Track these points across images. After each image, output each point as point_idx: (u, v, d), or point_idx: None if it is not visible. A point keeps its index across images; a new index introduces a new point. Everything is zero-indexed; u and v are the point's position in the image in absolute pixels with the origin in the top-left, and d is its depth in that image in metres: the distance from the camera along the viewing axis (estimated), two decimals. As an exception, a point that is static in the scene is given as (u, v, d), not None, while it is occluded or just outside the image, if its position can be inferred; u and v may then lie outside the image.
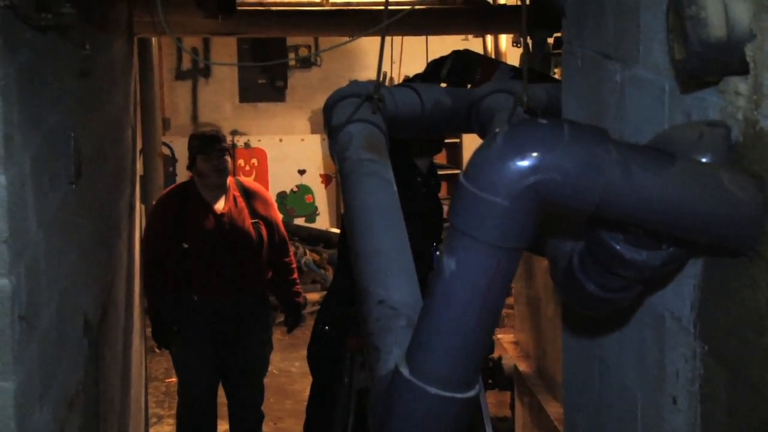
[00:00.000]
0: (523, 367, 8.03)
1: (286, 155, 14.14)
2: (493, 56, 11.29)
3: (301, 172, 14.20)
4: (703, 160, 2.08)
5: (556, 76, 6.52)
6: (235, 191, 6.92)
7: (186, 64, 14.42)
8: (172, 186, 7.55)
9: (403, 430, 2.29)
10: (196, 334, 6.83)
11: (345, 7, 8.49)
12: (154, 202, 7.93)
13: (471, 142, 11.97)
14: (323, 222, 14.16)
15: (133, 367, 6.71)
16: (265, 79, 14.57)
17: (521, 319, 8.50)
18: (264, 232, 6.94)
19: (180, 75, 14.47)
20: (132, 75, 7.41)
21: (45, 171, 3.11)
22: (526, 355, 8.26)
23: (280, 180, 14.09)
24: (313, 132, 14.40)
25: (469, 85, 4.95)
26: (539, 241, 2.57)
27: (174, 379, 8.10)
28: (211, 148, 6.79)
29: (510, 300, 8.49)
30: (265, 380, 7.29)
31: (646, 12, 2.51)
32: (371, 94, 3.63)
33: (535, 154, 1.93)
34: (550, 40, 6.98)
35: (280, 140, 14.21)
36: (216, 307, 6.81)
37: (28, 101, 2.89)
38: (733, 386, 2.15)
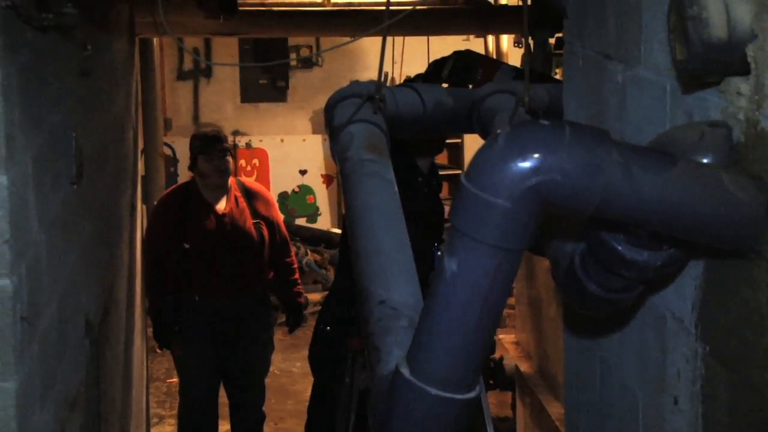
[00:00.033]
0: (524, 367, 8.03)
1: (288, 155, 14.15)
2: (494, 56, 11.29)
3: (303, 172, 14.21)
4: (705, 160, 2.08)
5: (558, 77, 6.53)
6: (236, 191, 6.92)
7: (187, 65, 14.44)
8: (174, 186, 7.54)
9: (403, 431, 2.29)
10: (197, 335, 6.82)
11: (346, 8, 8.49)
12: (155, 203, 7.93)
13: (472, 143, 11.98)
14: (324, 222, 14.16)
15: (135, 367, 6.71)
16: (266, 80, 14.58)
17: (522, 320, 8.50)
18: (265, 232, 6.93)
19: (181, 75, 14.48)
20: (133, 75, 7.41)
21: (46, 171, 3.11)
22: (527, 355, 8.26)
23: (281, 180, 14.10)
24: (314, 132, 14.41)
25: (470, 86, 4.95)
26: (540, 241, 2.57)
27: (175, 380, 8.10)
28: (213, 149, 6.79)
29: (511, 300, 8.50)
30: (267, 380, 7.29)
31: (647, 12, 2.51)
32: (372, 95, 3.63)
33: (536, 156, 1.93)
34: (552, 41, 6.99)
35: (282, 140, 14.22)
36: (217, 308, 6.81)
37: (30, 101, 2.89)
38: (734, 386, 2.15)
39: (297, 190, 14.22)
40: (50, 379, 3.08)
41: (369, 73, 13.15)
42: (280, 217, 7.28)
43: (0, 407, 2.60)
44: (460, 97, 4.26)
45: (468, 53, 5.21)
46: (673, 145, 2.14)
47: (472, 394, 2.24)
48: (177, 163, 13.44)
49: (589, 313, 2.71)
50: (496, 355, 8.34)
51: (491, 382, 8.26)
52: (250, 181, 7.93)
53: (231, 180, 6.94)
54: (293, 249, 7.54)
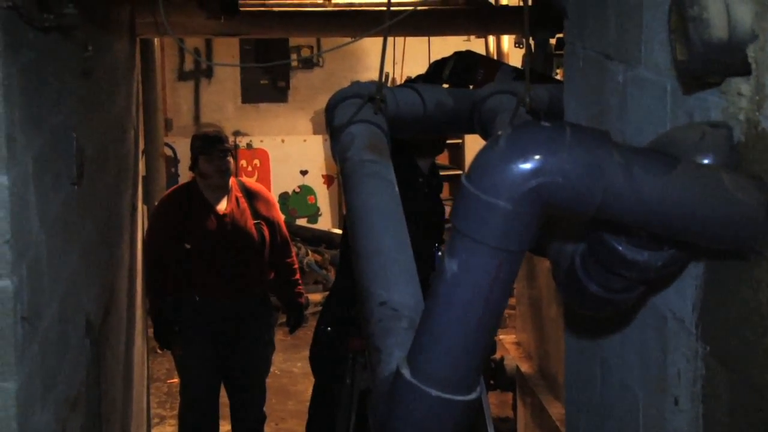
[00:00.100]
0: (525, 367, 8.03)
1: (289, 156, 14.15)
2: (495, 57, 11.29)
3: (303, 172, 14.21)
4: (705, 160, 2.08)
5: (559, 77, 6.53)
6: (237, 192, 6.92)
7: (188, 65, 14.44)
8: (175, 187, 7.54)
9: (404, 432, 2.29)
10: (197, 335, 6.82)
11: (347, 8, 8.49)
12: (156, 203, 7.93)
13: (473, 143, 11.98)
14: (325, 223, 14.17)
15: (135, 367, 6.71)
16: (267, 80, 14.59)
17: (523, 320, 8.50)
18: (266, 232, 6.93)
19: (182, 76, 14.49)
20: (134, 76, 7.41)
21: (47, 171, 3.12)
22: (528, 355, 8.26)
23: (282, 181, 14.10)
24: (315, 133, 14.41)
25: (471, 86, 4.95)
26: (541, 241, 2.57)
27: (176, 380, 8.10)
28: (214, 149, 6.79)
29: (512, 300, 8.50)
30: (268, 381, 7.29)
31: (647, 12, 2.51)
32: (373, 95, 3.63)
33: (537, 157, 1.94)
34: (552, 41, 6.99)
35: (282, 141, 14.23)
36: (218, 308, 6.81)
37: (31, 102, 2.90)
38: (734, 386, 2.15)
39: (298, 190, 14.22)
40: (51, 380, 3.08)
41: (370, 73, 13.15)
42: (281, 217, 7.28)
43: (1, 407, 2.60)
44: (460, 97, 4.26)
45: (469, 54, 5.21)
46: (673, 146, 2.14)
47: (473, 396, 2.24)
48: (178, 164, 13.44)
49: (589, 314, 2.71)
50: (497, 356, 8.34)
51: (492, 382, 8.27)
52: (251, 182, 7.93)
53: (232, 180, 6.94)
54: (294, 249, 7.54)
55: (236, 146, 13.63)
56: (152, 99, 9.67)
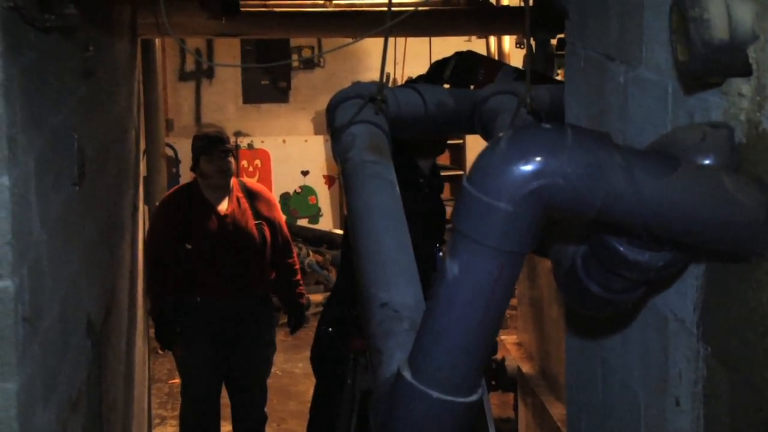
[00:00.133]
0: (526, 368, 8.03)
1: (290, 156, 14.15)
2: (496, 57, 11.29)
3: (305, 173, 14.21)
4: (706, 161, 2.08)
5: (560, 78, 6.53)
6: (238, 192, 6.92)
7: (189, 65, 14.45)
8: (176, 187, 7.55)
9: (405, 434, 2.29)
10: (198, 335, 6.82)
11: (348, 9, 8.49)
12: (157, 203, 7.94)
13: (474, 143, 11.98)
14: (326, 223, 14.16)
15: (136, 368, 6.71)
16: (268, 80, 14.59)
17: (524, 320, 8.50)
18: (267, 233, 6.93)
19: (183, 76, 14.49)
20: (135, 76, 7.41)
21: (48, 172, 3.12)
22: (529, 356, 8.26)
23: (283, 181, 14.10)
24: (316, 133, 14.41)
25: (472, 86, 4.95)
26: (542, 242, 2.57)
27: (177, 381, 8.10)
28: (215, 149, 6.79)
29: (513, 301, 8.49)
30: (269, 381, 7.29)
31: (648, 13, 2.51)
32: (374, 95, 3.63)
33: (538, 159, 1.94)
34: (553, 42, 6.99)
35: (284, 141, 14.23)
36: (219, 308, 6.81)
37: (32, 102, 2.90)
38: (735, 387, 2.15)
39: (299, 190, 14.23)
40: (52, 380, 3.08)
41: (371, 73, 13.15)
42: (282, 217, 7.28)
43: (2, 408, 2.60)
44: (461, 97, 4.26)
45: (470, 54, 5.20)
46: (674, 146, 2.14)
47: (474, 397, 2.24)
48: (179, 164, 13.45)
49: (590, 314, 2.71)
50: (498, 356, 8.34)
51: (493, 383, 8.27)
52: (252, 182, 7.93)
53: (233, 181, 6.94)
54: (295, 250, 7.54)
55: (237, 146, 13.63)
56: (153, 99, 9.68)
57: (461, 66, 5.08)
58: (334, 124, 3.66)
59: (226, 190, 6.87)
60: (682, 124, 2.33)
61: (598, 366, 3.11)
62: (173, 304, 6.82)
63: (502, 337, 8.64)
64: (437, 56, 5.59)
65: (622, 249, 2.21)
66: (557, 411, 6.85)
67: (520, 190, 1.94)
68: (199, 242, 6.74)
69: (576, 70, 3.22)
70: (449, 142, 8.16)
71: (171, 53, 13.95)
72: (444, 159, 13.19)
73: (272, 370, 7.40)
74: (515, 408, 8.48)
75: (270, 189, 11.52)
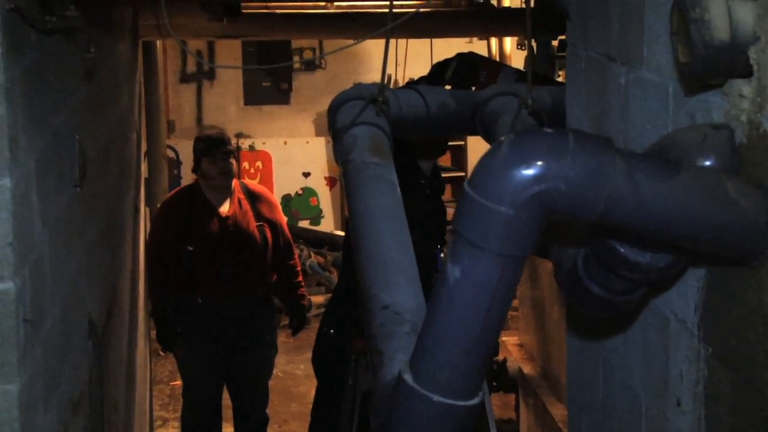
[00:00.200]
0: (527, 369, 8.04)
1: (291, 158, 14.15)
2: (497, 59, 11.28)
3: (306, 174, 14.20)
4: (707, 162, 2.08)
5: (561, 79, 6.53)
6: (239, 194, 6.92)
7: (191, 67, 14.44)
8: (177, 189, 7.55)
9: (405, 436, 2.29)
10: (198, 336, 6.83)
11: (349, 10, 8.49)
12: (158, 205, 7.94)
13: (475, 145, 11.97)
14: (328, 225, 14.16)
15: (138, 369, 6.72)
16: (269, 82, 14.58)
17: (526, 321, 8.51)
18: (269, 234, 6.94)
19: (185, 78, 14.49)
20: (136, 78, 7.42)
21: (49, 173, 3.12)
22: (530, 357, 8.26)
23: (284, 183, 14.10)
24: (317, 135, 14.41)
25: (473, 88, 4.95)
26: (544, 243, 2.57)
27: (179, 382, 8.10)
28: (217, 151, 6.80)
29: (515, 302, 8.50)
30: (270, 383, 7.29)
31: (649, 14, 2.52)
32: (375, 97, 3.63)
33: (539, 163, 1.94)
34: (555, 43, 6.99)
35: (285, 143, 14.22)
36: (220, 310, 6.81)
37: (33, 103, 2.90)
38: (737, 388, 2.15)
39: (300, 192, 14.22)
40: (53, 381, 3.08)
41: (372, 75, 13.14)
42: (284, 219, 7.29)
43: (4, 409, 2.61)
44: (463, 99, 4.26)
45: (471, 55, 5.21)
46: (675, 147, 2.14)
47: (475, 401, 2.24)
48: (180, 166, 13.45)
49: (591, 315, 2.72)
50: (500, 357, 8.34)
51: (495, 384, 8.26)
52: (254, 184, 7.94)
53: (234, 182, 6.94)
54: (296, 251, 7.54)
55: (239, 148, 13.62)
56: (154, 101, 9.67)
57: (463, 67, 5.08)
58: (336, 126, 3.66)
59: (227, 192, 6.87)
60: (683, 125, 2.33)
61: (600, 366, 3.11)
62: (174, 305, 6.82)
63: (504, 338, 8.64)
64: (438, 58, 5.60)
65: (622, 250, 2.21)
66: (558, 412, 6.86)
67: (521, 194, 1.94)
68: (200, 244, 6.74)
69: (577, 71, 3.22)
70: (450, 143, 8.14)
71: (172, 55, 13.95)
72: (445, 160, 13.19)
73: (274, 371, 7.40)
74: (517, 409, 8.48)
75: (271, 190, 11.51)
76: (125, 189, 6.09)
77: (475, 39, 12.38)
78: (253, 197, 6.99)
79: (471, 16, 8.63)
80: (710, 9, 1.99)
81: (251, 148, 14.13)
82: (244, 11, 7.66)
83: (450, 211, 5.81)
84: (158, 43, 9.96)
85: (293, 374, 9.90)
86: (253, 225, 6.87)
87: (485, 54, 10.15)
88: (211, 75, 14.52)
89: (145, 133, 8.76)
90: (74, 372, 3.51)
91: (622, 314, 2.65)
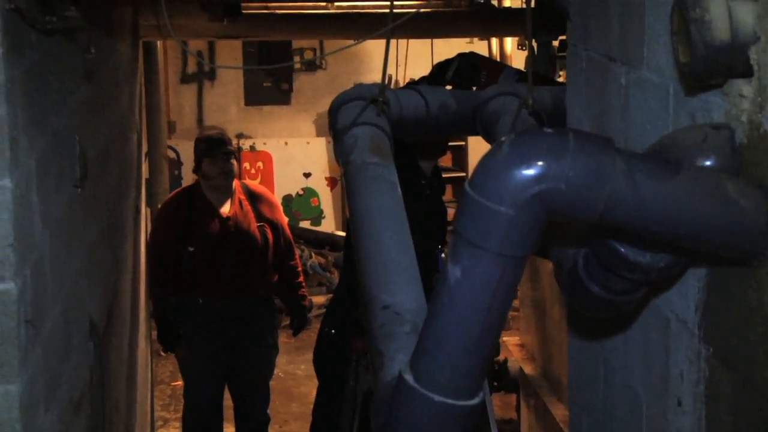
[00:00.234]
0: (528, 369, 8.03)
1: (292, 158, 14.15)
2: (498, 59, 11.28)
3: (307, 175, 14.20)
4: (707, 162, 2.08)
5: (562, 79, 6.53)
6: (240, 194, 6.92)
7: (191, 68, 14.44)
8: (178, 189, 7.55)
9: (406, 436, 2.29)
10: (199, 336, 6.83)
11: (350, 11, 8.49)
12: (159, 206, 7.94)
13: (476, 145, 11.97)
14: (329, 225, 14.16)
15: (139, 369, 6.72)
16: (270, 82, 14.58)
17: (527, 322, 8.50)
18: (269, 235, 6.94)
19: (185, 78, 14.48)
20: (137, 78, 7.42)
21: (50, 173, 3.12)
22: (531, 357, 8.26)
23: (285, 183, 14.10)
24: (318, 135, 14.41)
25: (474, 88, 4.96)
26: (544, 243, 2.57)
27: (180, 383, 8.11)
28: (217, 151, 6.80)
29: (516, 302, 8.49)
30: (271, 383, 7.29)
31: (650, 14, 2.52)
32: (376, 97, 3.63)
33: (540, 164, 1.94)
34: (555, 43, 6.99)
35: (286, 143, 14.22)
36: (221, 310, 6.81)
37: (33, 104, 2.90)
38: (737, 388, 2.15)
39: (301, 192, 14.22)
40: (54, 382, 3.08)
41: (373, 75, 13.14)
42: (285, 219, 7.29)
43: (5, 409, 2.61)
44: (463, 99, 4.26)
45: (472, 55, 5.21)
46: (676, 147, 2.14)
47: (476, 401, 2.24)
48: (181, 166, 13.45)
49: (592, 315, 2.72)
50: (501, 358, 8.34)
51: (495, 384, 8.26)
52: (254, 184, 7.94)
53: (235, 183, 6.94)
54: (297, 252, 7.54)
55: (239, 148, 13.62)
56: (155, 101, 9.67)
57: (463, 67, 5.08)
58: (336, 126, 3.66)
59: (228, 192, 6.87)
60: (683, 125, 2.34)
61: (600, 367, 3.11)
62: (174, 305, 6.82)
63: (505, 339, 8.64)
64: (439, 58, 5.60)
65: (623, 250, 2.21)
66: (559, 412, 6.86)
67: (521, 194, 1.95)
68: (200, 244, 6.74)
69: (577, 71, 3.22)
70: (451, 143, 8.15)
71: (173, 55, 13.95)
72: (446, 160, 13.19)
73: (275, 371, 7.40)
74: (518, 409, 8.47)
75: (272, 191, 11.51)
76: (126, 189, 6.09)
77: (475, 39, 12.38)
78: (253, 198, 6.99)
79: (471, 16, 8.63)
80: (710, 9, 1.99)
81: (252, 148, 14.13)
82: (244, 11, 7.66)
83: (450, 212, 5.83)
84: (159, 43, 9.96)
85: (294, 374, 9.90)
86: (254, 225, 6.87)
87: (486, 54, 10.15)
88: (211, 75, 14.52)
89: (146, 134, 8.76)
90: (75, 372, 3.51)
91: (622, 314, 2.65)
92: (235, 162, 6.91)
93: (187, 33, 8.09)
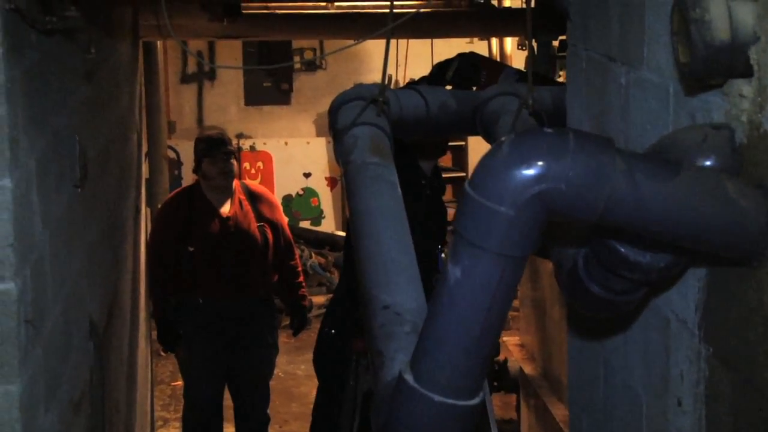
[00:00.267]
0: (528, 369, 8.03)
1: (292, 158, 14.15)
2: (498, 59, 11.28)
3: (307, 175, 14.20)
4: (707, 162, 2.08)
5: (561, 79, 6.53)
6: (240, 194, 6.93)
7: (191, 68, 14.44)
8: (178, 189, 7.55)
9: (406, 436, 2.29)
10: (200, 337, 6.83)
11: (350, 11, 8.49)
12: (159, 206, 7.94)
13: (476, 145, 11.97)
14: (329, 225, 14.16)
15: (139, 369, 6.72)
16: (270, 82, 14.57)
17: (527, 322, 8.50)
18: (269, 235, 6.94)
19: (185, 78, 14.49)
20: (137, 78, 7.42)
21: (50, 173, 3.12)
22: (531, 357, 8.26)
23: (285, 183, 14.09)
24: (318, 135, 14.41)
25: (474, 88, 4.96)
26: (544, 243, 2.57)
27: (180, 383, 8.11)
28: (217, 151, 6.80)
29: (516, 302, 8.49)
30: (271, 383, 7.29)
31: (650, 14, 2.52)
32: (376, 97, 3.64)
33: (540, 164, 1.94)
34: (555, 43, 6.99)
35: (286, 143, 14.22)
36: (221, 310, 6.81)
37: (33, 104, 2.90)
38: (737, 388, 2.15)
39: (301, 192, 14.22)
40: (54, 382, 3.08)
41: (373, 75, 13.13)
42: (284, 219, 7.29)
43: (5, 409, 2.61)
44: (463, 99, 4.26)
45: (472, 55, 5.21)
46: (676, 147, 2.14)
47: (476, 400, 2.24)
48: (181, 166, 13.45)
49: (592, 315, 2.72)
50: (501, 358, 8.34)
51: (495, 384, 8.26)
52: (254, 184, 7.94)
53: (235, 183, 6.94)
54: (297, 252, 7.54)
55: (239, 149, 13.62)
56: (155, 101, 9.67)
57: (463, 67, 5.08)
58: (336, 126, 3.66)
59: (228, 192, 6.87)
60: (683, 125, 2.33)
61: (600, 366, 3.11)
62: (174, 305, 6.82)
63: (505, 339, 8.64)
64: (439, 58, 5.60)
65: (623, 250, 2.21)
66: (559, 412, 6.86)
67: (521, 194, 1.94)
68: (200, 244, 6.74)
69: (577, 71, 3.22)
70: (451, 143, 8.15)
71: (173, 55, 13.95)
72: (446, 161, 13.19)
73: (275, 371, 7.40)
74: (518, 409, 8.48)
75: (272, 191, 11.51)
76: (126, 189, 6.09)
77: (475, 39, 12.38)
78: (253, 198, 6.99)
79: (471, 16, 8.63)
80: (710, 9, 1.99)
81: (252, 148, 14.13)
82: (244, 11, 7.66)
83: (450, 212, 5.83)
84: (159, 43, 9.96)
85: (294, 374, 9.90)
86: (254, 225, 6.87)
87: (486, 54, 10.15)
88: (211, 75, 14.52)
89: (146, 134, 8.76)
90: (75, 372, 3.51)
91: (622, 314, 2.65)
92: (235, 162, 6.91)
93: (187, 33, 8.09)
